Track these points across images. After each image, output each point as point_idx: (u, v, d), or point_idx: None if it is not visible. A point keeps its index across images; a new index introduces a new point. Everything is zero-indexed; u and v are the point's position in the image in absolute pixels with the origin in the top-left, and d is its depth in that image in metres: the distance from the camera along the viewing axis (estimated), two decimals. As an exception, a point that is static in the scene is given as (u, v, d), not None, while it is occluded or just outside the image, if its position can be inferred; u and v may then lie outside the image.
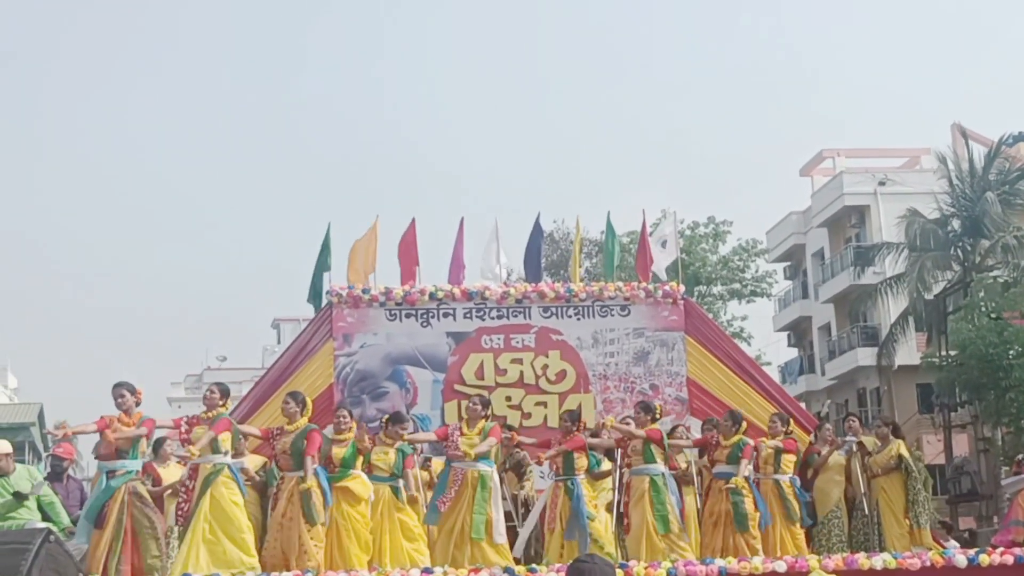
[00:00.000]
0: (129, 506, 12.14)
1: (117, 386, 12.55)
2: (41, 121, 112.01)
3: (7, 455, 12.48)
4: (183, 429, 12.96)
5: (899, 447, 15.61)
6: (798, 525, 14.94)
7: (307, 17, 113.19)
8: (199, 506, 12.42)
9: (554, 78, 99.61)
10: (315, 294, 17.95)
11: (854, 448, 15.70)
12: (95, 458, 12.68)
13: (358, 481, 13.39)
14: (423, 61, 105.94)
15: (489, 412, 14.04)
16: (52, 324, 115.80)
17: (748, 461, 14.65)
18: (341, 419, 13.72)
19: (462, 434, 13.72)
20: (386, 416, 14.47)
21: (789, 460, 15.10)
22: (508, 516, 14.49)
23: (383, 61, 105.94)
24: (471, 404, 14.10)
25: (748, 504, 14.37)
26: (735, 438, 14.68)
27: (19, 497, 12.17)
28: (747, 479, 14.56)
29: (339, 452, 13.40)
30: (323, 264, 17.90)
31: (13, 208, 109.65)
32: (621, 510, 14.38)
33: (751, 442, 14.82)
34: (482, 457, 13.60)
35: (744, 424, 14.90)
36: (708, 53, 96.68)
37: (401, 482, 13.77)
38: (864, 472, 15.60)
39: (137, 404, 12.60)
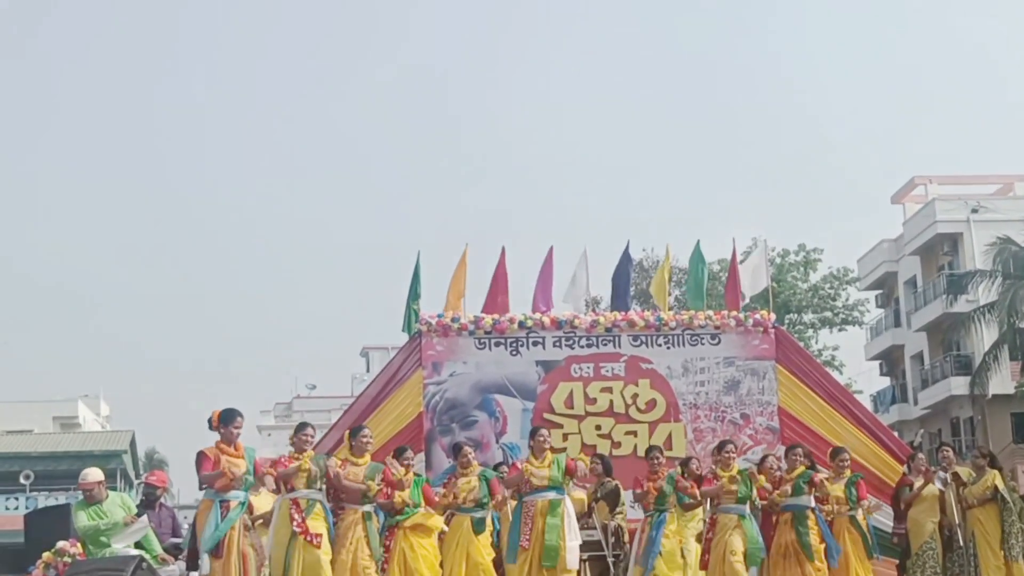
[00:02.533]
0: (242, 539, 11.70)
1: (240, 415, 12.12)
2: (127, 158, 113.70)
3: (100, 483, 12.62)
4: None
5: (994, 478, 15.41)
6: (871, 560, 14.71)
7: (388, 41, 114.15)
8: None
9: (646, 106, 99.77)
10: (409, 323, 18.00)
11: (948, 480, 15.49)
12: (208, 488, 11.92)
13: (432, 519, 13.19)
14: (514, 87, 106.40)
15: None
16: (144, 353, 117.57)
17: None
18: (408, 460, 13.52)
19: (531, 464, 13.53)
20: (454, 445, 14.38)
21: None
22: (598, 545, 14.37)
23: (466, 91, 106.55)
24: (541, 437, 13.77)
25: (813, 536, 14.10)
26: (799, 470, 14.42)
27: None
28: (814, 510, 14.32)
29: (400, 497, 13.06)
30: (414, 293, 18.00)
31: (102, 243, 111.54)
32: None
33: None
34: (553, 486, 13.38)
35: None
36: (799, 82, 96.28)
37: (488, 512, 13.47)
38: (959, 503, 15.40)
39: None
